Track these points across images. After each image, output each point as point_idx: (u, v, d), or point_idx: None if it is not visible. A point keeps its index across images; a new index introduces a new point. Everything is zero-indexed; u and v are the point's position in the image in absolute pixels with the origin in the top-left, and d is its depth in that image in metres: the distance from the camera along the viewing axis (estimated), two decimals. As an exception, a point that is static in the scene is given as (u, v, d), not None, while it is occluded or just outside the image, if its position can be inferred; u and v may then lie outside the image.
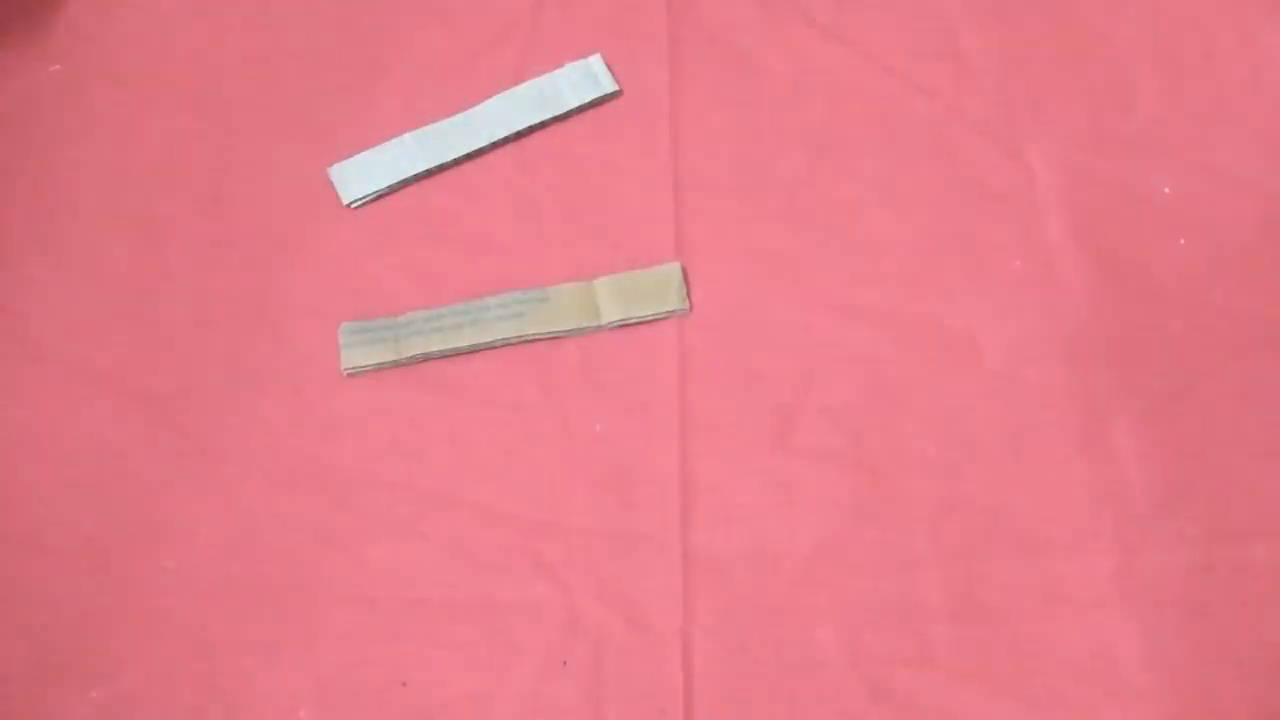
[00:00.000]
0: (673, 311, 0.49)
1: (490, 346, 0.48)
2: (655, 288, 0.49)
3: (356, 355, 0.48)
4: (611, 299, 0.49)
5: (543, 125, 0.53)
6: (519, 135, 0.53)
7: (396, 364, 0.48)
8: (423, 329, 0.48)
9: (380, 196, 0.52)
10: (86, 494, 0.45)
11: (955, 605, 0.43)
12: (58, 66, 0.56)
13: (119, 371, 0.48)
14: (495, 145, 0.53)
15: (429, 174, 0.52)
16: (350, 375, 0.48)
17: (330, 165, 0.52)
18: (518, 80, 0.55)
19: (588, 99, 0.53)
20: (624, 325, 0.49)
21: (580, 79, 0.54)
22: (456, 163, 0.53)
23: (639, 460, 0.46)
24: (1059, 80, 0.53)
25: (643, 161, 0.52)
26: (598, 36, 0.56)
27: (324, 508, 0.45)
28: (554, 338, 0.49)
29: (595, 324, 0.49)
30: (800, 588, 0.43)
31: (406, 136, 0.53)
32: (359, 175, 0.52)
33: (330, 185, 0.52)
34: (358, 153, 0.53)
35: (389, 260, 0.51)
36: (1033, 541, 0.44)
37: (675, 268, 0.49)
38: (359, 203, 0.52)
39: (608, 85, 0.54)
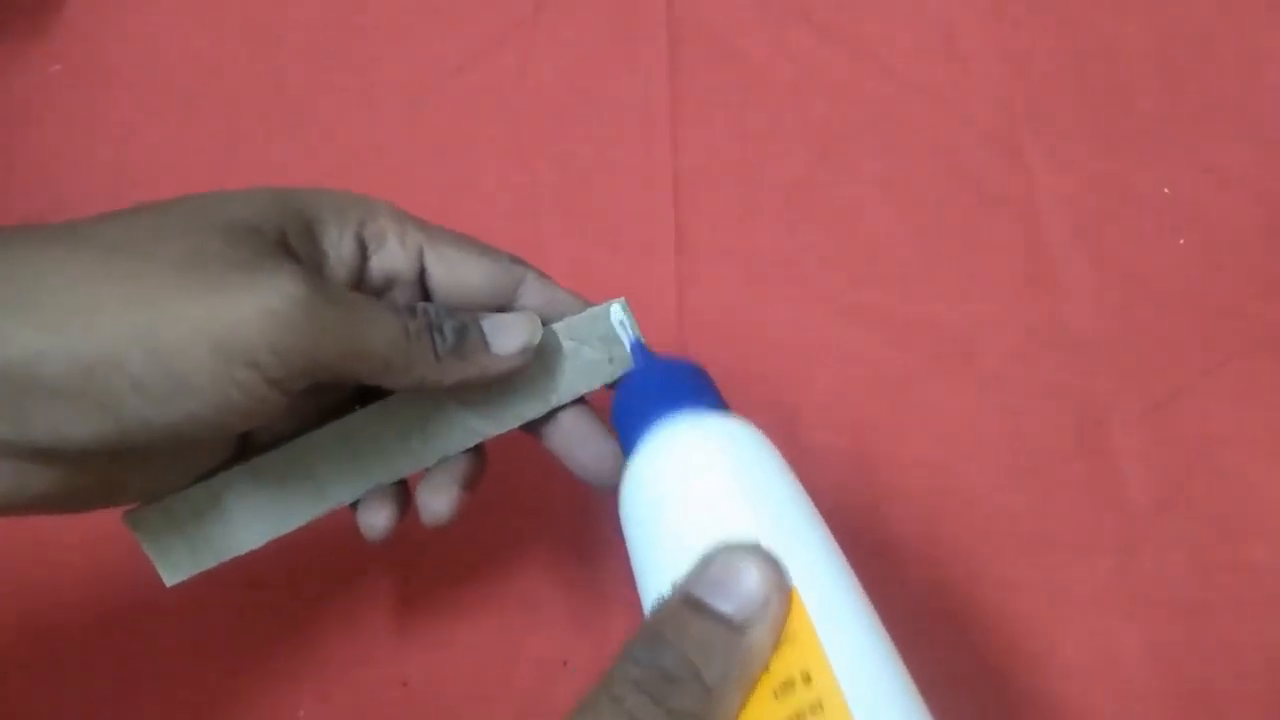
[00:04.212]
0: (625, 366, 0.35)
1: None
2: (595, 340, 0.35)
3: (172, 560, 0.33)
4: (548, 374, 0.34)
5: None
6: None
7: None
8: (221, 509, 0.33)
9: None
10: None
11: (955, 605, 0.43)
12: (58, 67, 0.56)
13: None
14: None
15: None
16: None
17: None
18: (519, 80, 0.55)
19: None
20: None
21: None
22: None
23: (639, 460, 0.46)
24: (1059, 80, 0.53)
25: (643, 161, 0.53)
26: (598, 37, 0.56)
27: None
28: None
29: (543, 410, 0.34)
30: (800, 588, 0.43)
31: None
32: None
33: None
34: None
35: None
36: (1032, 541, 0.44)
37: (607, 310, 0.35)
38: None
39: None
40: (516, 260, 0.34)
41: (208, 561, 0.33)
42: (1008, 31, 0.55)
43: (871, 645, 0.27)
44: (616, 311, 0.35)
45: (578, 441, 0.35)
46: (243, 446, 0.34)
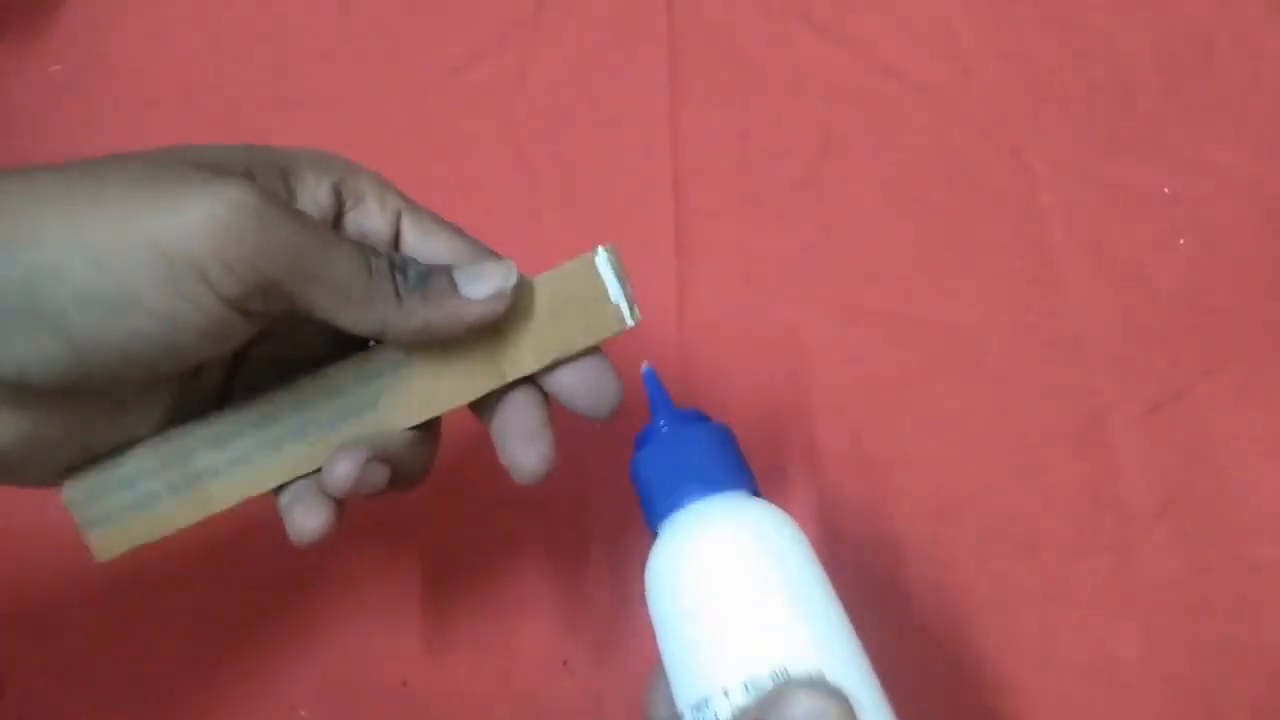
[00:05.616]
0: (612, 330, 0.31)
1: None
2: (579, 300, 0.31)
3: (106, 532, 0.31)
4: (521, 336, 0.31)
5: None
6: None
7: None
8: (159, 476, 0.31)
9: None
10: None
11: (955, 605, 0.43)
12: (58, 67, 0.56)
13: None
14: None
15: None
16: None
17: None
18: (519, 80, 0.55)
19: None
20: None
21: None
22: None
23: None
24: (1059, 80, 0.53)
25: (643, 161, 0.52)
26: (597, 36, 0.56)
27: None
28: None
29: (498, 383, 0.31)
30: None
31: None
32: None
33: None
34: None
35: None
36: (1032, 541, 0.44)
37: (593, 258, 0.31)
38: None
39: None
40: (494, 254, 0.32)
41: (139, 539, 0.31)
42: (1008, 31, 0.55)
43: None
44: (602, 262, 0.31)
45: (516, 433, 0.32)
46: (218, 392, 0.32)
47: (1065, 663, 0.42)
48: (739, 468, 0.32)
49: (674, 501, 0.30)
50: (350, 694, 0.42)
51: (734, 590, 0.29)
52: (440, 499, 0.45)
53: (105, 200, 0.26)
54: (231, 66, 0.56)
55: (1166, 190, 0.50)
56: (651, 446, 0.32)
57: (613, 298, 0.31)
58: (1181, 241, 0.49)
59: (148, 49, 0.57)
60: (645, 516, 0.32)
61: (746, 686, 0.27)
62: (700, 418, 0.32)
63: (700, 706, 0.28)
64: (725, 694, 0.27)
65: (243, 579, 0.44)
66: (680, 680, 0.29)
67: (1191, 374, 0.46)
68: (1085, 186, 0.51)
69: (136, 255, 0.26)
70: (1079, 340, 0.47)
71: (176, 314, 0.26)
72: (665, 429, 0.32)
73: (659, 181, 0.52)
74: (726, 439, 0.32)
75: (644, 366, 0.33)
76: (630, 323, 0.31)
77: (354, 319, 0.29)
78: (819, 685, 0.26)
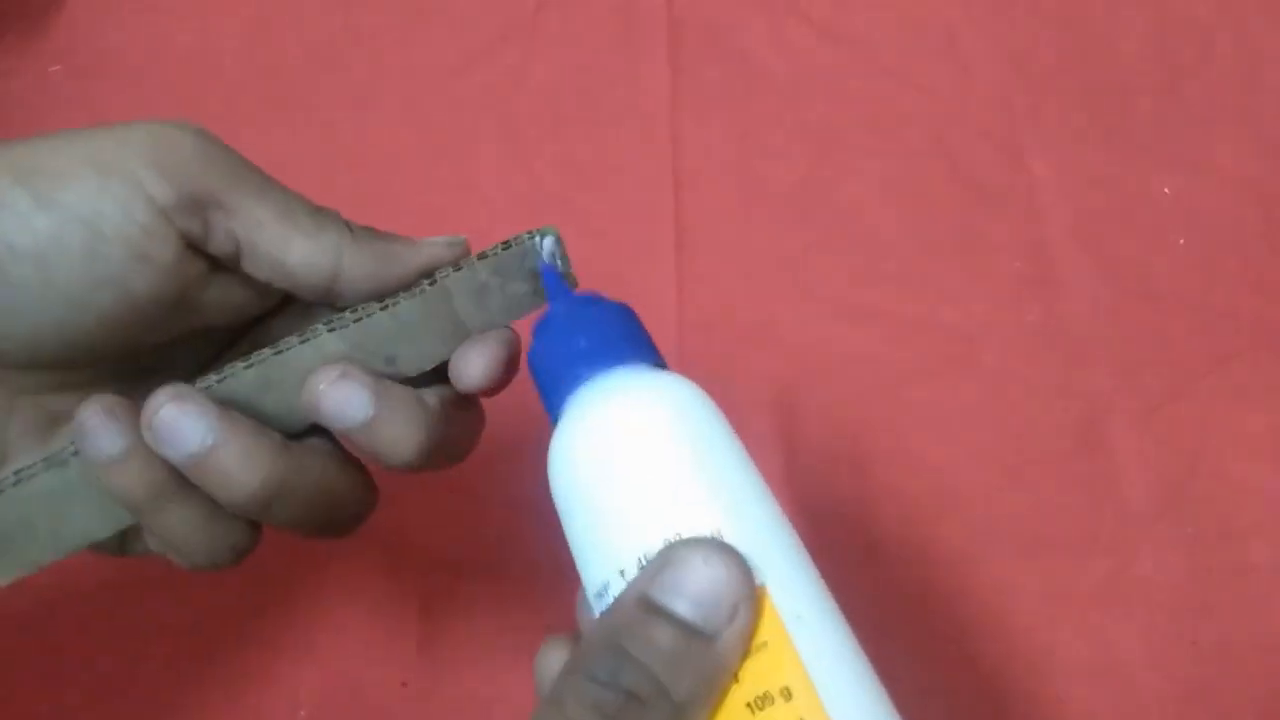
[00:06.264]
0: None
1: None
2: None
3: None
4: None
5: None
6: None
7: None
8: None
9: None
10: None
11: (954, 605, 0.43)
12: (58, 67, 0.56)
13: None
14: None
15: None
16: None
17: None
18: (519, 80, 0.55)
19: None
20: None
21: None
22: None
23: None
24: (1059, 80, 0.53)
25: (643, 161, 0.52)
26: (597, 36, 0.56)
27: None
28: None
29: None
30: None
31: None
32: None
33: (328, 188, 0.52)
34: None
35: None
36: (1032, 541, 0.44)
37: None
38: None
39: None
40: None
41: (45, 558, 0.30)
42: (1008, 31, 0.55)
43: (846, 653, 0.24)
44: (548, 246, 0.31)
45: (469, 343, 0.30)
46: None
47: (1065, 663, 0.42)
48: (640, 342, 0.28)
49: (570, 382, 0.27)
50: (350, 694, 0.42)
51: (630, 461, 0.25)
52: (439, 499, 0.45)
53: (49, 137, 0.26)
54: (230, 66, 0.56)
55: (1166, 190, 0.50)
56: (544, 333, 0.29)
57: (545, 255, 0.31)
58: (1181, 241, 0.49)
59: (148, 49, 0.57)
60: (548, 413, 0.28)
61: (641, 562, 0.23)
62: (598, 297, 0.29)
63: (602, 594, 0.24)
64: (622, 575, 0.24)
65: (242, 579, 0.44)
66: (584, 570, 0.26)
67: (1191, 374, 0.46)
68: (1085, 186, 0.51)
69: (68, 165, 0.25)
70: (1079, 340, 0.47)
71: (101, 218, 0.25)
72: (559, 312, 0.29)
73: (659, 181, 0.52)
74: (627, 315, 0.29)
75: (542, 261, 0.30)
76: (539, 239, 0.31)
77: (304, 251, 0.28)
78: (710, 545, 0.23)
